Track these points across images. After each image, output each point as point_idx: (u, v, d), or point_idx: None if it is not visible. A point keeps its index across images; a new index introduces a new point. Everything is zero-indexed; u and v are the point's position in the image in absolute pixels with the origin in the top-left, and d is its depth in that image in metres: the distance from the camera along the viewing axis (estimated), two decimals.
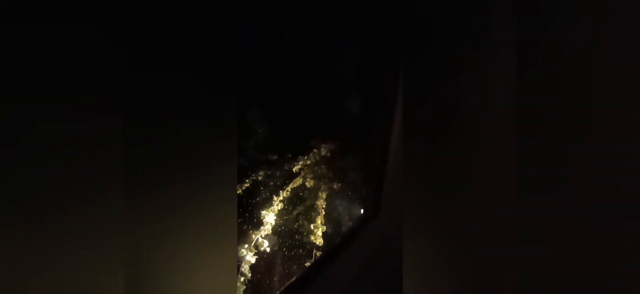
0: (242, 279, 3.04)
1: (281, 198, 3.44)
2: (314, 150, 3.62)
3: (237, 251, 1.07)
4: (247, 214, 3.36)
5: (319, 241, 3.49)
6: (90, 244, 0.85)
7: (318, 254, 3.41)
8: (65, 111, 0.85)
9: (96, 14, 0.88)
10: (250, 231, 3.30)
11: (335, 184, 3.60)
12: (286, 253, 3.36)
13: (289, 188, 3.50)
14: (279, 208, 3.42)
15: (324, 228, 3.44)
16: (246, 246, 3.19)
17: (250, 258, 3.14)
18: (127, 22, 0.94)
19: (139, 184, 0.95)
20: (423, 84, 1.23)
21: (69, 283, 0.84)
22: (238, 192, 3.39)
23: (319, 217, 3.48)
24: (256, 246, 3.23)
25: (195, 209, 1.06)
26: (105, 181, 0.89)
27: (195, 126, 1.08)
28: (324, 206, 3.50)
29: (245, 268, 3.07)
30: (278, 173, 3.52)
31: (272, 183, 3.45)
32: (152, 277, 0.97)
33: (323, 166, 3.66)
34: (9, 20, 0.79)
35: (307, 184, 3.49)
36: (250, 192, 3.40)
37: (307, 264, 3.39)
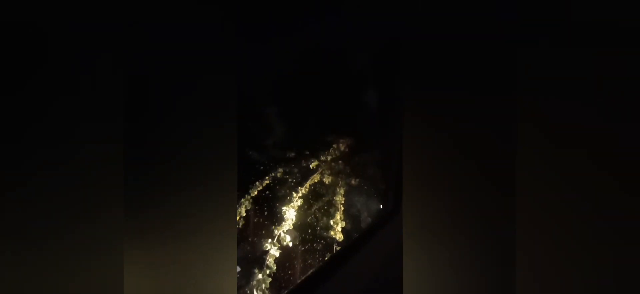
0: (267, 271, 3.16)
1: (300, 194, 3.48)
2: (332, 146, 3.63)
3: (236, 251, 1.10)
4: (266, 211, 3.43)
5: (339, 237, 3.51)
6: (91, 245, 0.89)
7: (338, 249, 3.43)
8: (65, 112, 0.89)
9: (96, 13, 0.90)
10: (273, 227, 3.38)
11: (353, 180, 3.61)
12: (306, 247, 3.40)
13: (307, 184, 3.53)
14: (299, 204, 3.46)
15: (343, 223, 3.46)
16: (270, 240, 3.31)
17: (275, 251, 3.27)
18: (127, 22, 0.95)
19: (140, 184, 0.98)
20: (424, 82, 1.21)
21: (70, 283, 0.88)
22: (259, 189, 3.46)
23: (338, 213, 3.50)
24: (279, 241, 3.31)
25: (196, 209, 1.09)
26: (106, 181, 0.92)
27: (195, 126, 1.11)
28: (342, 202, 3.52)
29: (270, 262, 3.19)
30: (296, 170, 3.56)
31: (291, 179, 3.49)
32: (153, 277, 1.01)
33: (340, 162, 3.67)
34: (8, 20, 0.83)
35: (325, 181, 3.51)
36: (270, 189, 3.45)
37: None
